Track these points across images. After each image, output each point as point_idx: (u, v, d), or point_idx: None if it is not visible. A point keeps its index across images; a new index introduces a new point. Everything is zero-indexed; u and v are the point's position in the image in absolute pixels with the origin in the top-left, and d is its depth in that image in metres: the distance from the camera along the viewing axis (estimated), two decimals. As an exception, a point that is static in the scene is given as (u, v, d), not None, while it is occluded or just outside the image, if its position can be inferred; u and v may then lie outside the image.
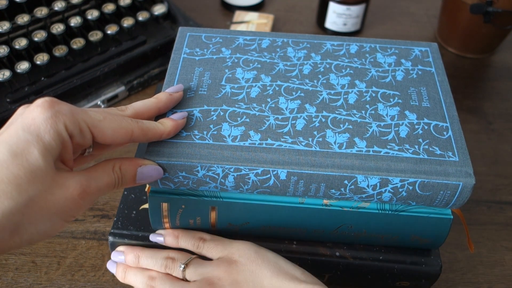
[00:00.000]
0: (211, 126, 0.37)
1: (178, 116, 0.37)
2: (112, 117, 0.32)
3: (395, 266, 0.42)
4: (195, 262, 0.39)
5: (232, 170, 0.36)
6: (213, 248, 0.40)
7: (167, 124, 0.36)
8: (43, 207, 0.28)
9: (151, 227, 0.42)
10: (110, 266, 0.42)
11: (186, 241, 0.41)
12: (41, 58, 0.57)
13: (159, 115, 0.38)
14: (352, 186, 0.36)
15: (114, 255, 0.42)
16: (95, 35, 0.61)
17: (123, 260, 0.41)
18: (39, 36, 0.58)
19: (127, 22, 0.63)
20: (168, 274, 0.40)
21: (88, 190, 0.30)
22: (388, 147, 0.37)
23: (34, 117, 0.29)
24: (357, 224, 0.40)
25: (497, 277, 0.47)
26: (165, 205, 0.39)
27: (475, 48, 0.71)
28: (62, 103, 0.30)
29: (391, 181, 0.36)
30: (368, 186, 0.36)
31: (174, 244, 0.41)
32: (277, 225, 0.41)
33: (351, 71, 0.43)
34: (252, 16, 0.74)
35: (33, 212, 0.28)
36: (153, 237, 0.41)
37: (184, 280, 0.39)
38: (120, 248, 0.42)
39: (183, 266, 0.39)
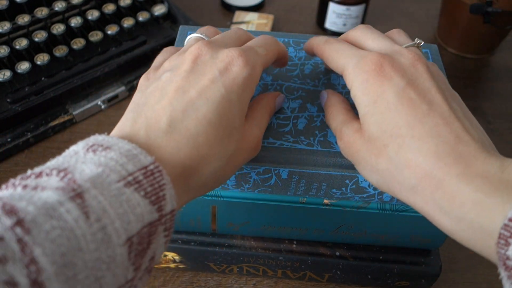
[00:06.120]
0: (212, 125, 0.37)
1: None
2: (270, 41, 0.34)
3: (395, 266, 0.42)
4: None
5: (233, 169, 0.36)
6: None
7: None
8: (234, 161, 0.31)
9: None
10: None
11: None
12: (42, 58, 0.57)
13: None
14: (354, 186, 0.36)
15: None
16: (96, 35, 0.61)
17: None
18: (40, 36, 0.58)
19: (127, 22, 0.63)
20: None
21: (260, 133, 0.33)
22: (389, 146, 0.37)
23: (235, 76, 0.30)
24: (358, 224, 0.40)
25: (497, 277, 0.47)
26: (166, 205, 0.39)
27: (475, 48, 0.71)
28: (250, 55, 0.31)
29: (392, 180, 0.36)
30: (369, 186, 0.36)
31: None
32: (277, 225, 0.41)
33: (352, 71, 0.43)
34: (252, 16, 0.74)
35: (228, 168, 0.30)
36: None
37: None
38: None
39: None
